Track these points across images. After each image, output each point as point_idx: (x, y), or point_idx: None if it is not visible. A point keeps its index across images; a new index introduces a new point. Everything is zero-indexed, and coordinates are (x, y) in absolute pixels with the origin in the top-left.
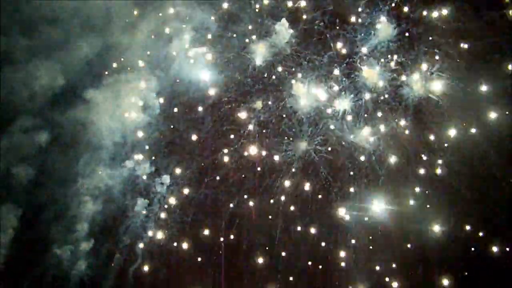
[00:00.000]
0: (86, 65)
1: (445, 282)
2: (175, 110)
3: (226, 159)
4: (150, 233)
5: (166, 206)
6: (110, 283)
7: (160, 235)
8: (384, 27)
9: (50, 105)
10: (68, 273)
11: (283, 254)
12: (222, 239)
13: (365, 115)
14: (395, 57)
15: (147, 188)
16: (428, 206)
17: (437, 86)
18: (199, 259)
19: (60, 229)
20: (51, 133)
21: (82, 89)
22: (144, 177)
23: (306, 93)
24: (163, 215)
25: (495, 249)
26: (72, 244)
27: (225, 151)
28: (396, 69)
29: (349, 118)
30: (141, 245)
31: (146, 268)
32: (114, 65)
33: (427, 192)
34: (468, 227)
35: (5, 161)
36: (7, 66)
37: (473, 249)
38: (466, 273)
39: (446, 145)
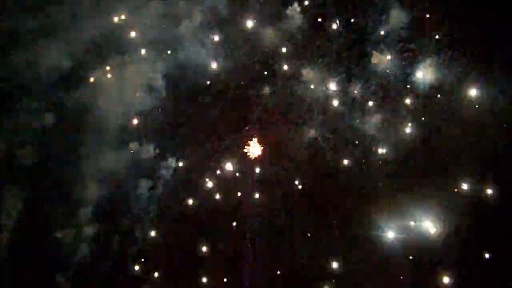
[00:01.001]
0: (92, 46)
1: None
2: (181, 93)
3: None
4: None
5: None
6: (110, 266)
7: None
8: (396, 13)
9: (55, 86)
10: (69, 257)
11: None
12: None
13: (375, 103)
14: (407, 44)
15: (152, 171)
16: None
17: (450, 75)
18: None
19: (62, 212)
20: (56, 115)
21: (88, 71)
22: (149, 160)
23: (315, 80)
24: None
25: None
26: (74, 227)
27: (232, 136)
28: (407, 56)
29: (359, 105)
30: (141, 229)
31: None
32: (121, 46)
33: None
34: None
35: (9, 143)
36: (12, 46)
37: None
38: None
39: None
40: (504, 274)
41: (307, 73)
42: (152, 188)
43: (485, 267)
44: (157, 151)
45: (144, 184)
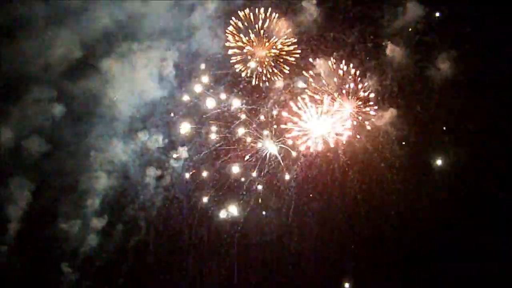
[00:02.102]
0: (103, 35)
1: None
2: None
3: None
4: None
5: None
6: (115, 257)
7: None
8: (412, 7)
9: (64, 76)
10: (76, 248)
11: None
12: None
13: (390, 97)
14: (423, 37)
15: (160, 162)
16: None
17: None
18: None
19: (69, 203)
20: (65, 105)
21: (98, 60)
22: (157, 151)
23: (330, 73)
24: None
25: None
26: (80, 218)
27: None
28: (422, 50)
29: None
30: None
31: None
32: (132, 35)
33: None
34: None
35: (17, 133)
36: (23, 35)
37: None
38: None
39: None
40: None
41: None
42: (160, 177)
43: None
44: (166, 141)
45: (152, 174)
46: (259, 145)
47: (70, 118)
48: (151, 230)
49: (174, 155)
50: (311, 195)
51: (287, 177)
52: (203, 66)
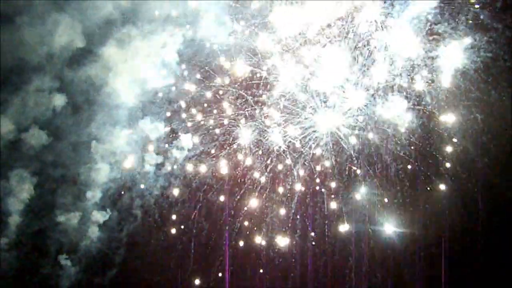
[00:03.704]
0: (105, 22)
1: None
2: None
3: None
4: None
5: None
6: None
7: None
8: None
9: (65, 65)
10: (76, 242)
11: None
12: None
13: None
14: (433, 26)
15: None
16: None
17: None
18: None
19: (69, 195)
20: (65, 94)
21: (100, 48)
22: (159, 140)
23: (336, 63)
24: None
25: None
26: (80, 211)
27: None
28: (433, 39)
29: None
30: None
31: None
32: (135, 21)
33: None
34: None
35: (18, 124)
36: (23, 22)
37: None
38: None
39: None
40: None
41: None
42: (160, 165)
43: None
44: (167, 129)
45: (153, 162)
46: (265, 137)
47: (70, 107)
48: (153, 221)
49: (177, 145)
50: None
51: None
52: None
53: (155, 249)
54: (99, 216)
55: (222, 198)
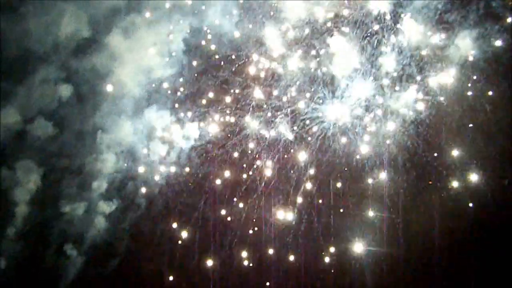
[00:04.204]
0: (111, 11)
1: None
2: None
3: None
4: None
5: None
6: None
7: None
8: None
9: (71, 54)
10: (81, 233)
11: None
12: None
13: (408, 77)
14: (443, 15)
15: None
16: None
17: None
18: None
19: (75, 185)
20: (71, 84)
21: (105, 37)
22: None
23: (344, 52)
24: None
25: None
26: (86, 202)
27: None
28: (443, 29)
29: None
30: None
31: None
32: (140, 10)
33: None
34: None
35: (23, 115)
36: (28, 11)
37: None
38: None
39: None
40: None
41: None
42: (166, 156)
43: None
44: (173, 118)
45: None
46: (273, 130)
47: (76, 98)
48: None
49: (182, 134)
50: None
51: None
52: (213, 46)
53: (159, 239)
54: (105, 207)
55: (227, 188)
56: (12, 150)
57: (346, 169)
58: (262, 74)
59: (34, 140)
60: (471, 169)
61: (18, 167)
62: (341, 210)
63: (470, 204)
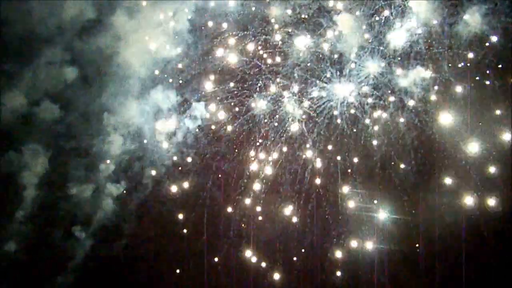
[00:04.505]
0: None
1: None
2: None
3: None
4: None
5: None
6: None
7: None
8: None
9: (76, 36)
10: (89, 215)
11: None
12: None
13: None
14: None
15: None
16: None
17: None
18: None
19: (82, 167)
20: (76, 66)
21: (110, 17)
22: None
23: (352, 29)
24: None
25: None
26: (94, 183)
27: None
28: (451, 5)
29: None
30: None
31: None
32: None
33: None
34: None
35: (30, 98)
36: None
37: None
38: None
39: None
40: None
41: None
42: (171, 136)
43: None
44: (179, 98)
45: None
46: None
47: (81, 79)
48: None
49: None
50: None
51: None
52: (224, 25)
53: (165, 220)
54: (112, 189)
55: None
56: (19, 133)
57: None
58: (269, 53)
59: (40, 123)
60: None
61: (25, 150)
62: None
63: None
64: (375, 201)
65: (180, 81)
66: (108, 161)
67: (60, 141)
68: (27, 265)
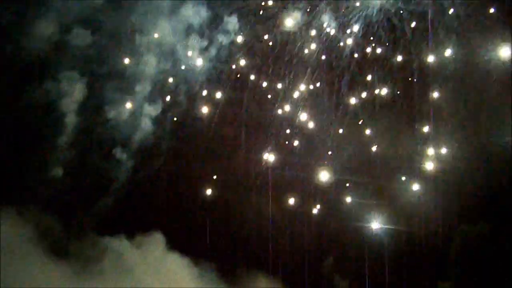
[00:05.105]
0: None
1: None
2: None
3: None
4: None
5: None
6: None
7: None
8: None
9: None
10: (128, 136)
11: None
12: None
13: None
14: None
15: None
16: None
17: None
18: None
19: (118, 90)
20: None
21: None
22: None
23: None
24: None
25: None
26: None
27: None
28: None
29: None
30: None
31: None
32: None
33: None
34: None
35: (60, 25)
36: None
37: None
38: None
39: None
40: None
41: None
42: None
43: None
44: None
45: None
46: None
47: (110, 1)
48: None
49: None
50: None
51: None
52: None
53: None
54: (150, 109)
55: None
56: (54, 62)
57: None
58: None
59: (73, 49)
60: None
61: (61, 78)
62: None
63: None
64: None
65: None
66: (143, 82)
67: (94, 66)
68: (73, 190)
